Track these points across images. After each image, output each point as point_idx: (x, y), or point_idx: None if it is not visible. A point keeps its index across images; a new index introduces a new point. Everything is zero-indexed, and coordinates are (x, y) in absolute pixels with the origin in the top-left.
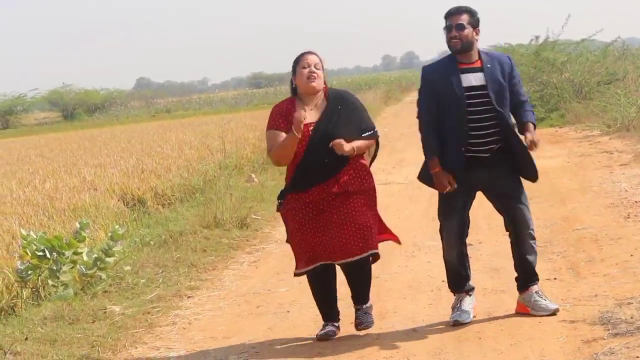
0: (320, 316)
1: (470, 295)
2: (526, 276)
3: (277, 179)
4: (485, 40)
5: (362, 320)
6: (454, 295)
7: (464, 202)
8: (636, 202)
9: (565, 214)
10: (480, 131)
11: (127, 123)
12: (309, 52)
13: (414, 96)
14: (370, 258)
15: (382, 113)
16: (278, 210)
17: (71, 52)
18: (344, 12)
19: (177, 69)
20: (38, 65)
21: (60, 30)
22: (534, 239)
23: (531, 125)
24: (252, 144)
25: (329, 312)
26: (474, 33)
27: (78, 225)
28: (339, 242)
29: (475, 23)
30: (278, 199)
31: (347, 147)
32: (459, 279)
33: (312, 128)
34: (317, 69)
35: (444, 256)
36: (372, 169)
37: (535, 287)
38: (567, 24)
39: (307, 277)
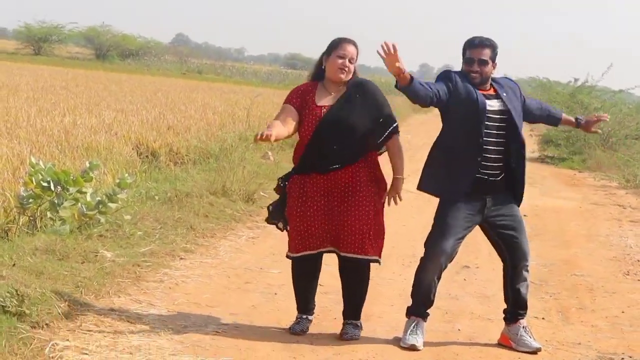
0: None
1: (425, 321)
2: (517, 309)
3: (292, 161)
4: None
5: (349, 331)
6: (410, 317)
7: (465, 231)
8: (638, 260)
9: (566, 257)
10: (491, 154)
11: (157, 75)
12: (349, 42)
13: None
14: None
15: (408, 119)
16: (276, 189)
17: None
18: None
19: (217, 33)
20: (82, 1)
21: None
22: (528, 272)
23: (566, 116)
24: None
25: (308, 304)
26: (493, 67)
27: (88, 165)
28: (349, 234)
29: (495, 57)
30: (280, 179)
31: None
32: (426, 303)
33: (324, 111)
34: (350, 62)
35: (420, 277)
36: (387, 173)
37: (523, 322)
38: (607, 72)
39: (295, 263)
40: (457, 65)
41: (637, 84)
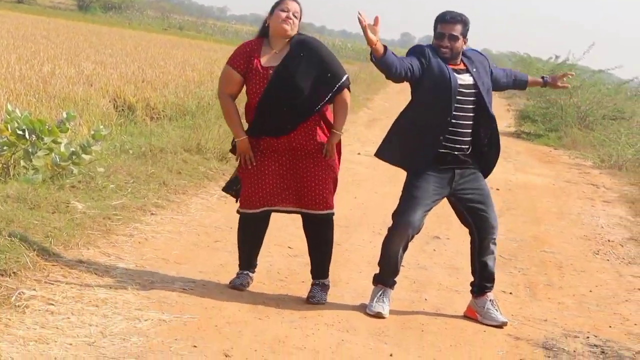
0: (273, 267)
1: (392, 289)
2: (484, 282)
3: None
4: (506, 46)
5: (316, 294)
6: (377, 285)
7: (433, 203)
8: (609, 240)
9: (536, 233)
10: (460, 129)
11: (139, 29)
12: None
13: (402, 86)
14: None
15: (386, 87)
16: (231, 151)
17: None
18: None
19: None
20: None
21: None
22: (495, 245)
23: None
24: None
25: (251, 260)
26: (463, 42)
27: (64, 115)
28: (311, 191)
29: (466, 33)
30: (234, 140)
31: (331, 150)
32: (393, 273)
33: (271, 73)
34: (295, 16)
35: (386, 247)
36: (362, 138)
37: (490, 295)
38: (589, 52)
39: (244, 220)
40: None
41: (617, 64)
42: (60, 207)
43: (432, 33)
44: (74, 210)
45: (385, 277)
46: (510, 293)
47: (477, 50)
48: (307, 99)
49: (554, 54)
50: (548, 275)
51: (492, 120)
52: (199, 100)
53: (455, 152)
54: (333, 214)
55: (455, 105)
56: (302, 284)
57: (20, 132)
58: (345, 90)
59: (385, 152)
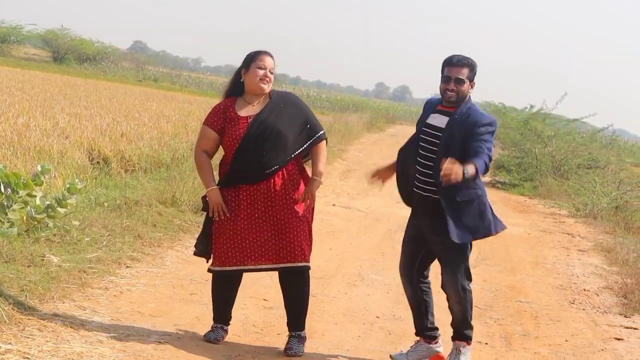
0: (249, 320)
1: (430, 343)
2: (457, 332)
3: None
4: (481, 96)
5: (293, 346)
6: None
7: (412, 249)
8: (584, 290)
9: (512, 283)
10: (424, 169)
11: (113, 81)
12: (267, 54)
13: (397, 129)
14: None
15: (361, 138)
16: (203, 209)
17: None
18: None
19: (175, 42)
20: (42, 2)
21: None
22: (464, 302)
23: (469, 164)
24: None
25: (226, 314)
26: (470, 86)
27: (39, 168)
28: (287, 244)
29: (473, 77)
30: (203, 198)
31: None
32: (415, 319)
33: (251, 120)
34: (271, 73)
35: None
36: (336, 190)
37: (461, 344)
38: (562, 101)
39: (217, 276)
40: (412, 85)
41: (591, 112)
42: (35, 260)
43: (405, 83)
44: (49, 263)
45: (414, 322)
46: (486, 343)
47: (487, 116)
48: (286, 143)
49: (529, 103)
50: (524, 325)
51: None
52: (173, 153)
53: (421, 193)
54: (309, 267)
55: (421, 144)
56: (277, 336)
57: None
58: (323, 141)
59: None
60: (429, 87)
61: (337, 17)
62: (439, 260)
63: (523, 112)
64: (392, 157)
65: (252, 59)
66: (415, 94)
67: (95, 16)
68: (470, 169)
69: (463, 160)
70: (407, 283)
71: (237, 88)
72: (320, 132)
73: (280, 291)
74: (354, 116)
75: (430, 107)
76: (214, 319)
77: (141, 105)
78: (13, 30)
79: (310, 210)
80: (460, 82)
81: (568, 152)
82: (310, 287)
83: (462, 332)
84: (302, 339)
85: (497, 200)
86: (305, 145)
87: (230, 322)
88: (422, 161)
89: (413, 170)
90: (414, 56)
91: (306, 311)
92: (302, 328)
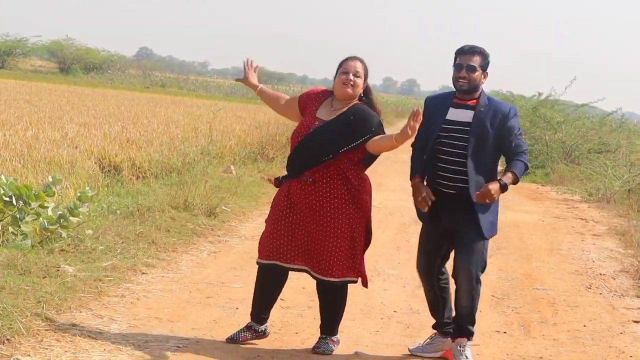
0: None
1: (445, 337)
2: (460, 328)
3: (254, 175)
4: (489, 85)
5: (322, 345)
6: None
7: (433, 248)
8: (601, 274)
9: (528, 271)
10: (448, 165)
11: (121, 89)
12: (353, 58)
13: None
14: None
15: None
16: (274, 183)
17: (82, 6)
18: (352, 28)
19: (181, 46)
20: (46, 13)
21: None
22: (475, 293)
23: (509, 174)
24: (238, 136)
25: (262, 313)
26: (483, 76)
27: (50, 179)
28: (323, 256)
29: (485, 66)
30: (275, 180)
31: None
32: (434, 312)
33: (317, 123)
34: (356, 76)
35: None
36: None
37: (462, 341)
38: (570, 86)
39: (261, 270)
40: (420, 78)
41: (600, 97)
42: (50, 271)
43: (413, 76)
44: (64, 273)
45: (434, 317)
46: (505, 332)
47: (510, 105)
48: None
49: (537, 90)
50: (541, 312)
51: (476, 165)
52: (184, 157)
53: (443, 190)
54: (348, 281)
55: (443, 140)
56: (295, 336)
57: (7, 199)
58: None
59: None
60: (437, 79)
61: (343, 14)
62: (458, 250)
63: (532, 100)
64: (402, 150)
65: (340, 66)
66: (423, 86)
67: (100, 25)
68: (509, 180)
69: (495, 153)
70: (427, 282)
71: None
72: (370, 133)
73: (299, 291)
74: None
75: (439, 103)
76: (251, 315)
77: (149, 111)
78: (18, 43)
79: (360, 225)
80: (471, 69)
81: (578, 137)
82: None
83: (465, 327)
84: (334, 342)
85: (509, 189)
86: (357, 142)
87: (265, 323)
88: (448, 158)
89: (433, 171)
90: (420, 49)
91: (341, 318)
92: (335, 333)
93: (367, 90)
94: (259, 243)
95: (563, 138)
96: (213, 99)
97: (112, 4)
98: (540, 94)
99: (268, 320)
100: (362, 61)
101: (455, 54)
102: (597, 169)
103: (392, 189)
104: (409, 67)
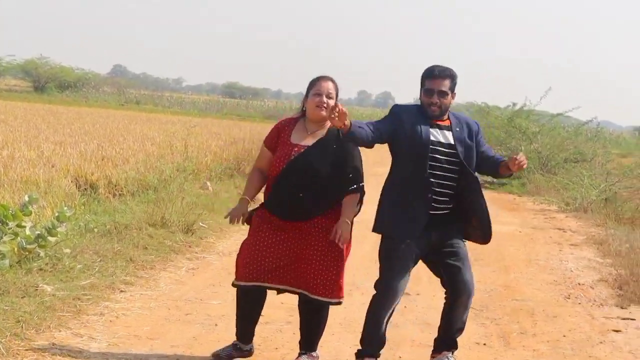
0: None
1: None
2: (449, 341)
3: (231, 191)
4: (463, 97)
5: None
6: (361, 358)
7: (413, 262)
8: (579, 284)
9: (506, 282)
10: (439, 188)
11: (96, 107)
12: (325, 78)
13: None
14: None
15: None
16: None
17: (55, 25)
18: (328, 39)
19: (155, 63)
20: (19, 33)
21: (47, 2)
22: (467, 309)
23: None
24: (214, 152)
25: (248, 332)
26: (452, 97)
27: (27, 199)
28: (315, 277)
29: (454, 87)
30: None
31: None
32: (379, 341)
33: (296, 151)
34: (329, 97)
35: (373, 313)
36: None
37: (449, 353)
38: (545, 96)
39: (241, 292)
40: (395, 91)
41: (574, 106)
42: (29, 291)
43: (388, 89)
44: (43, 293)
45: (370, 346)
46: (484, 344)
47: (472, 121)
48: (325, 187)
49: (511, 101)
50: (521, 323)
51: (473, 180)
52: (160, 174)
53: (437, 212)
54: (337, 302)
55: (430, 163)
56: (275, 351)
57: None
58: (357, 193)
59: (381, 225)
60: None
61: (315, 28)
62: (454, 266)
63: (507, 110)
64: (379, 163)
65: (312, 86)
66: (398, 99)
67: (74, 43)
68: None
69: (475, 166)
70: (392, 308)
71: (303, 112)
72: (360, 185)
73: (277, 306)
74: None
75: (415, 118)
76: (238, 337)
77: (125, 128)
78: None
79: (345, 247)
80: (443, 94)
81: (554, 147)
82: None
83: (455, 339)
84: (313, 357)
85: (486, 200)
86: (338, 194)
87: (250, 343)
88: (437, 180)
89: (425, 192)
90: (394, 62)
91: (321, 334)
92: (315, 349)
93: None
94: (238, 265)
95: (539, 148)
96: (188, 115)
97: (85, 23)
98: (514, 104)
99: (253, 339)
100: (333, 81)
101: (424, 77)
102: (574, 179)
103: (369, 202)
104: (383, 79)
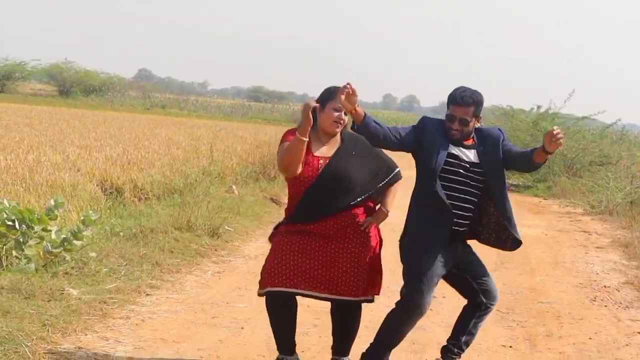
0: (272, 340)
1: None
2: (461, 344)
3: (256, 195)
4: (488, 100)
5: None
6: None
7: (440, 276)
8: (605, 286)
9: (532, 284)
10: (462, 203)
11: (121, 111)
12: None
13: None
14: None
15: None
16: (270, 238)
17: (80, 29)
18: (351, 45)
19: (180, 67)
20: (44, 37)
21: (73, 6)
22: (486, 315)
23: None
24: (239, 156)
25: (288, 344)
26: (475, 122)
27: (52, 203)
28: (343, 278)
29: (479, 112)
30: (274, 229)
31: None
32: (389, 349)
33: (322, 162)
34: (345, 114)
35: (396, 327)
36: None
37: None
38: (570, 99)
39: (271, 303)
40: (420, 94)
41: (600, 110)
42: (55, 294)
43: (413, 93)
44: (69, 296)
45: (384, 355)
46: (510, 346)
47: (496, 128)
48: (354, 189)
49: (536, 104)
50: (547, 325)
51: (498, 201)
52: (186, 178)
53: (460, 228)
54: (364, 301)
55: (448, 178)
56: (302, 354)
57: (10, 223)
58: (396, 184)
59: (406, 234)
60: (437, 94)
61: (344, 30)
62: (479, 275)
63: (531, 113)
64: (402, 165)
65: (329, 97)
66: (423, 102)
67: (99, 47)
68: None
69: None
70: (422, 315)
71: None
72: (397, 170)
73: (303, 310)
74: None
75: (438, 133)
76: (280, 350)
77: (150, 132)
78: (17, 66)
79: (377, 241)
80: (464, 122)
81: (579, 150)
82: None
83: (463, 345)
84: None
85: (512, 203)
86: (380, 185)
87: (294, 354)
88: (461, 195)
89: (446, 210)
90: (419, 65)
91: (354, 338)
92: (348, 354)
93: None
94: (269, 271)
95: (564, 151)
96: (213, 119)
97: (111, 27)
98: (539, 107)
99: (296, 348)
100: None
101: (448, 100)
102: (599, 182)
103: (397, 206)
104: (409, 83)
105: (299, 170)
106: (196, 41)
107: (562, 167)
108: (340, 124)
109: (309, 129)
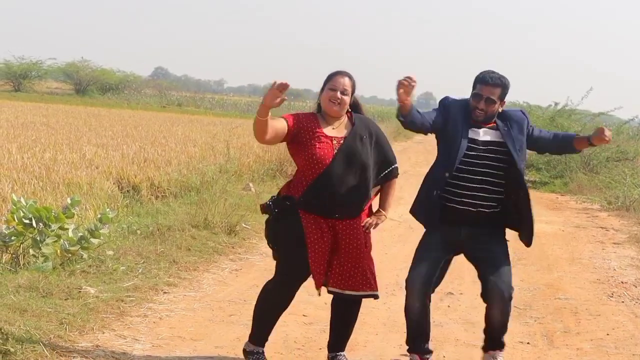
0: (290, 337)
1: (424, 358)
2: (493, 340)
3: (273, 192)
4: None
5: None
6: (409, 354)
7: (438, 257)
8: (622, 282)
9: (549, 281)
10: (472, 184)
11: (137, 109)
12: (341, 74)
13: (423, 136)
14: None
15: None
16: (262, 208)
17: (96, 27)
18: (367, 41)
19: (196, 65)
20: (60, 36)
21: (89, 5)
22: (510, 309)
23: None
24: (256, 153)
25: (266, 336)
26: (500, 105)
27: (69, 201)
28: (355, 273)
29: (504, 96)
30: (272, 202)
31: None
32: (418, 335)
33: (338, 142)
34: (344, 94)
35: (405, 307)
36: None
37: (496, 353)
38: (587, 96)
39: (276, 290)
40: (436, 91)
41: (616, 106)
42: (72, 292)
43: (428, 90)
44: (86, 295)
45: (412, 341)
46: (528, 343)
47: (520, 110)
48: (368, 177)
49: (553, 100)
50: (564, 322)
51: (519, 179)
52: (202, 176)
53: (464, 207)
54: (376, 295)
55: (465, 159)
56: (319, 351)
57: (27, 221)
58: (394, 179)
59: (413, 208)
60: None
61: (356, 30)
62: (487, 270)
63: (548, 110)
64: (420, 164)
65: (328, 80)
66: (439, 99)
67: (115, 45)
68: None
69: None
70: (418, 298)
71: (318, 108)
72: (394, 166)
73: (320, 307)
74: (381, 126)
75: (459, 115)
76: (255, 341)
77: (167, 130)
78: (34, 65)
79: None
80: (491, 102)
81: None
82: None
83: (499, 340)
84: (346, 358)
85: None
86: (379, 177)
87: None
88: (474, 177)
89: (446, 184)
90: (435, 62)
91: (351, 332)
92: (344, 349)
93: (355, 105)
94: (312, 270)
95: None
96: (230, 117)
97: (127, 25)
98: (556, 104)
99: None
100: (350, 77)
101: (476, 80)
102: (616, 177)
103: (411, 202)
104: (425, 79)
105: (266, 138)
106: (212, 39)
107: (579, 163)
108: (337, 102)
109: (269, 107)
